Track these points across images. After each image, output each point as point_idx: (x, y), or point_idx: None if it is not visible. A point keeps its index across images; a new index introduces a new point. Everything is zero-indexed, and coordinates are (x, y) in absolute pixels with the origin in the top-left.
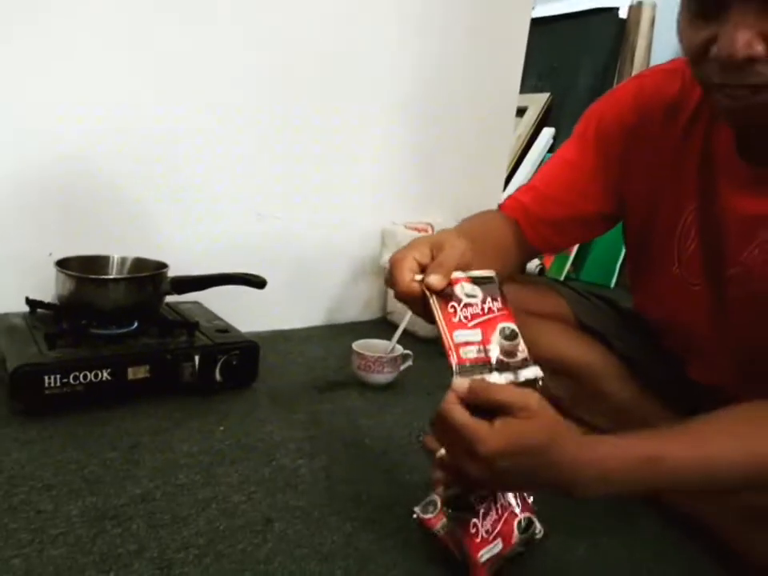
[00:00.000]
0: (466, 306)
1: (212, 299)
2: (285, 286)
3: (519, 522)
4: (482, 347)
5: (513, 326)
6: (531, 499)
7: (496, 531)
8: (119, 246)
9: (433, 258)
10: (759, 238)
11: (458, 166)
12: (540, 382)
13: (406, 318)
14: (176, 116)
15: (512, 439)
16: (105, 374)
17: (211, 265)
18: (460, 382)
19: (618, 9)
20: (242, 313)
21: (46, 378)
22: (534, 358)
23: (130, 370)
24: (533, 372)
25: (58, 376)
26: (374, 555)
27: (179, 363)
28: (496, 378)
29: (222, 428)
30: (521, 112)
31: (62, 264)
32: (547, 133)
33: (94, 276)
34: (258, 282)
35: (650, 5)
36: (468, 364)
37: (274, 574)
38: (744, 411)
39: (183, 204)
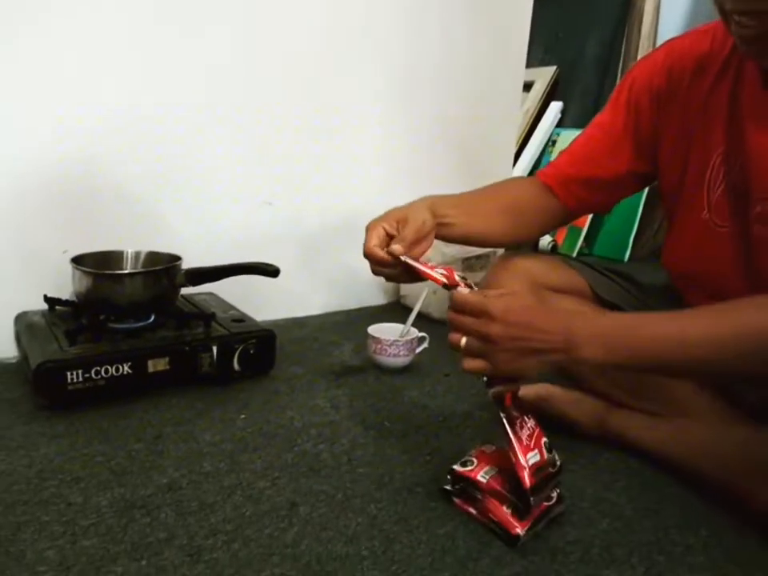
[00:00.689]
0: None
1: (226, 290)
2: (298, 274)
3: (545, 442)
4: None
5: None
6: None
7: (533, 442)
8: (132, 241)
9: (397, 230)
10: None
11: (465, 146)
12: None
13: (420, 300)
14: (177, 116)
15: (511, 295)
16: (125, 368)
17: (223, 257)
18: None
19: None
20: (257, 302)
21: (69, 373)
22: None
23: (149, 362)
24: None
25: (80, 371)
26: (399, 535)
27: (197, 354)
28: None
29: (243, 416)
30: (528, 86)
31: (78, 261)
32: (555, 107)
33: (109, 272)
34: (271, 271)
35: None
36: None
37: (301, 556)
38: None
39: (192, 199)
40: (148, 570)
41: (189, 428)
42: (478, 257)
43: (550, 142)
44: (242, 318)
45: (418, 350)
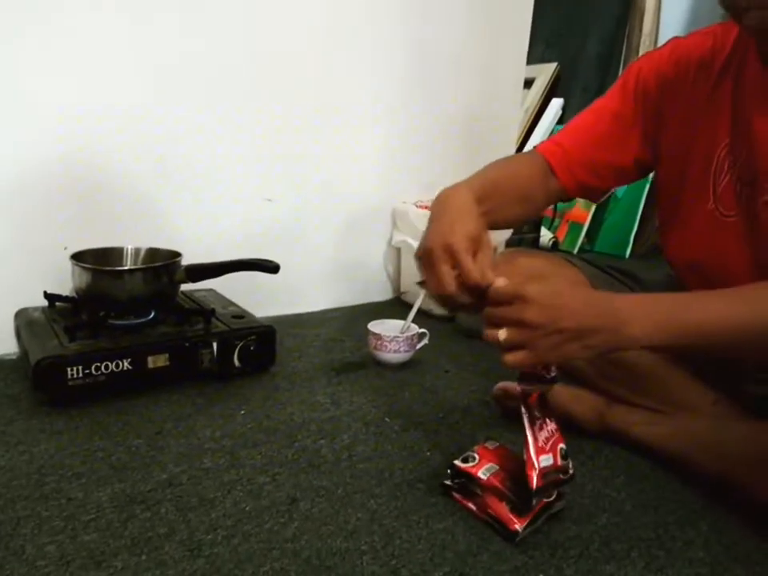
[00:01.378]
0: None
1: (227, 286)
2: (299, 270)
3: (561, 448)
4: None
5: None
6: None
7: (549, 445)
8: (132, 239)
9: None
10: None
11: (466, 142)
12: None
13: (420, 297)
14: (177, 116)
15: (551, 282)
16: (125, 364)
17: (224, 255)
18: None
19: None
20: (258, 298)
21: (68, 369)
22: None
23: (149, 358)
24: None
25: (80, 367)
26: (399, 531)
27: (198, 350)
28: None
29: (243, 412)
30: (528, 83)
31: (78, 257)
32: (556, 104)
33: (109, 268)
34: (271, 267)
35: None
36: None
37: (301, 551)
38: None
39: (193, 198)
40: (148, 564)
41: (189, 424)
42: None
43: None
44: (242, 314)
45: (419, 346)
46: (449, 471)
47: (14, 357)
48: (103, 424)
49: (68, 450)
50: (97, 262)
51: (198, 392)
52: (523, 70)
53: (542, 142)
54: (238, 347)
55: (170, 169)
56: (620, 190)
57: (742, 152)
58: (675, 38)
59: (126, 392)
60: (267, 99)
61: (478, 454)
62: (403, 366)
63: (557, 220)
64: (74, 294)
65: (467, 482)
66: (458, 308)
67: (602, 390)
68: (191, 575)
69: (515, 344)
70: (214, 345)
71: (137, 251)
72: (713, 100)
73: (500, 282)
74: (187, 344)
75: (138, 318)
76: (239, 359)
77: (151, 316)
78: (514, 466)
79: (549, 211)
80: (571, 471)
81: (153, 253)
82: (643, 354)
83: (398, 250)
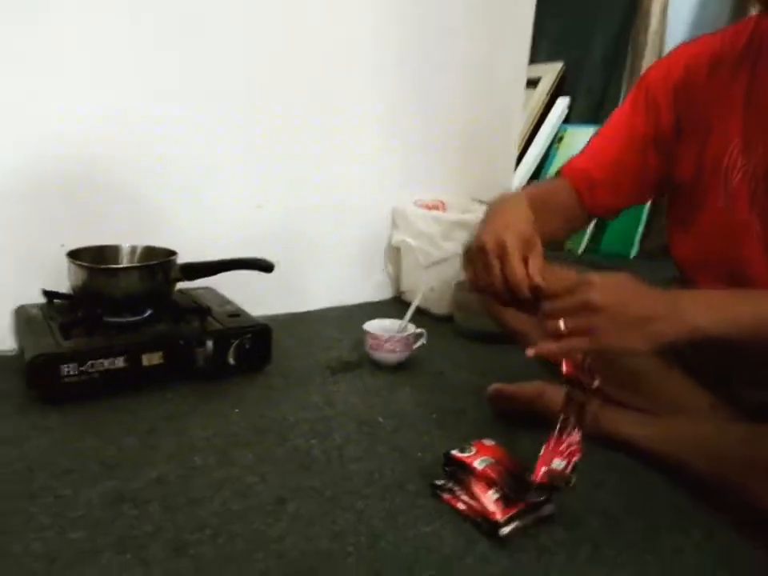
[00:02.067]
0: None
1: (225, 285)
2: (298, 269)
3: (576, 461)
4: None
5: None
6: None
7: (567, 452)
8: (130, 238)
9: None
10: None
11: (466, 141)
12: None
13: (418, 296)
14: (176, 116)
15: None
16: (120, 362)
17: (223, 255)
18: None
19: None
20: (256, 297)
21: (63, 366)
22: None
23: (144, 356)
24: None
25: (75, 364)
26: (385, 532)
27: (192, 348)
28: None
29: (236, 411)
30: (534, 83)
31: (74, 255)
32: (562, 103)
33: (104, 266)
34: (266, 266)
35: None
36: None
37: (287, 552)
38: None
39: (191, 198)
40: (132, 562)
41: (182, 422)
42: None
43: (557, 138)
44: (237, 313)
45: (415, 346)
46: (445, 460)
47: (13, 353)
48: (96, 421)
49: (59, 447)
50: (93, 260)
51: (192, 390)
52: (525, 70)
53: (566, 165)
54: (233, 346)
55: (168, 169)
56: None
57: (757, 150)
58: (683, 43)
59: (120, 390)
60: (267, 99)
61: (474, 446)
62: (399, 365)
63: None
64: (71, 292)
65: (457, 470)
66: (508, 302)
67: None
68: (175, 574)
69: (578, 329)
70: (209, 343)
71: (133, 249)
72: (725, 97)
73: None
74: (182, 342)
75: (133, 316)
76: (234, 358)
77: (147, 314)
78: (510, 463)
79: None
80: (571, 485)
81: (149, 251)
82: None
83: (398, 249)
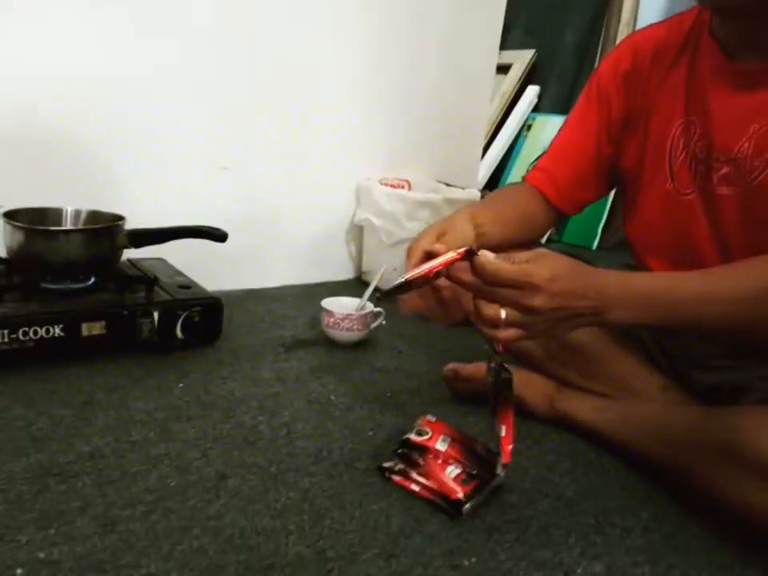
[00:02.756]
0: None
1: (179, 258)
2: (257, 244)
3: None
4: None
5: None
6: None
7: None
8: (78, 202)
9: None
10: (751, 131)
11: (434, 122)
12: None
13: (378, 275)
14: (136, 77)
15: (550, 259)
16: (57, 330)
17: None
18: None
19: None
20: (211, 272)
21: None
22: None
23: (83, 325)
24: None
25: (6, 331)
26: (330, 511)
27: (137, 319)
28: None
29: (181, 385)
30: (505, 69)
31: (11, 216)
32: (532, 91)
33: (42, 227)
34: (218, 235)
35: None
36: None
37: (223, 530)
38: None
39: (150, 163)
40: (55, 539)
41: (121, 395)
42: None
43: (526, 127)
44: (188, 285)
45: (373, 325)
46: (401, 445)
47: None
48: (28, 392)
49: None
50: (32, 222)
51: (135, 363)
52: (495, 55)
53: (528, 173)
54: (182, 318)
55: (125, 129)
56: None
57: (696, 130)
58: (632, 33)
59: (57, 360)
60: (229, 67)
61: (428, 427)
62: (356, 345)
63: None
64: (6, 255)
65: (410, 452)
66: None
67: (551, 375)
68: (101, 551)
69: (514, 323)
70: (155, 314)
71: (77, 213)
72: (667, 82)
73: (489, 256)
74: (126, 312)
75: (75, 283)
76: (182, 331)
77: (90, 282)
78: (461, 437)
79: None
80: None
81: (94, 215)
82: (594, 338)
83: (361, 228)
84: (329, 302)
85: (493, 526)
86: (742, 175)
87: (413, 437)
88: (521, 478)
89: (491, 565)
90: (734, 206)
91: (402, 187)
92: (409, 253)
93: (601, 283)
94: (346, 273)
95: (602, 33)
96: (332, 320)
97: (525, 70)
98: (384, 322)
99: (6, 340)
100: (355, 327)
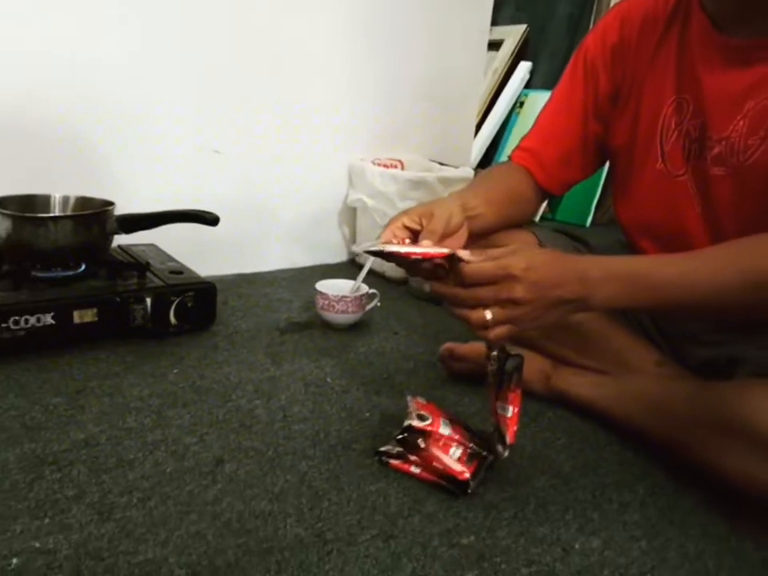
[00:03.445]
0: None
1: (171, 244)
2: (250, 228)
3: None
4: None
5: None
6: None
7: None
8: (67, 188)
9: (422, 225)
10: (745, 109)
11: (426, 101)
12: None
13: (371, 258)
14: (124, 60)
15: (525, 251)
16: (48, 318)
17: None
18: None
19: None
20: (204, 257)
21: None
22: None
23: (75, 313)
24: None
25: None
26: (328, 493)
27: (129, 305)
28: None
29: (175, 371)
30: (497, 45)
31: None
32: (524, 67)
33: (30, 215)
34: (210, 219)
35: None
36: None
37: (222, 514)
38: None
39: (139, 148)
40: (50, 528)
41: (115, 382)
42: None
43: (518, 103)
44: (180, 270)
45: (368, 307)
46: (404, 431)
47: None
48: (20, 381)
49: None
50: (21, 209)
51: (129, 350)
52: (487, 31)
53: (514, 151)
54: (175, 304)
55: (113, 117)
56: None
57: (689, 108)
58: (618, 3)
59: (49, 349)
60: (219, 49)
61: (425, 411)
62: (351, 327)
63: None
64: None
65: (409, 436)
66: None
67: (547, 352)
68: (98, 539)
69: (502, 321)
70: (148, 300)
71: (65, 199)
72: (657, 57)
73: (467, 256)
74: (118, 299)
75: (65, 271)
76: (176, 317)
77: (81, 269)
78: (455, 418)
79: None
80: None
81: (84, 202)
82: (589, 316)
83: (354, 209)
84: (323, 285)
85: (491, 503)
86: (735, 154)
87: (415, 423)
88: (518, 455)
89: (489, 542)
90: (727, 187)
91: (395, 167)
92: (389, 222)
93: (581, 269)
94: (339, 255)
95: (594, 7)
96: (326, 302)
97: (516, 46)
98: (379, 304)
99: None
100: (350, 309)
